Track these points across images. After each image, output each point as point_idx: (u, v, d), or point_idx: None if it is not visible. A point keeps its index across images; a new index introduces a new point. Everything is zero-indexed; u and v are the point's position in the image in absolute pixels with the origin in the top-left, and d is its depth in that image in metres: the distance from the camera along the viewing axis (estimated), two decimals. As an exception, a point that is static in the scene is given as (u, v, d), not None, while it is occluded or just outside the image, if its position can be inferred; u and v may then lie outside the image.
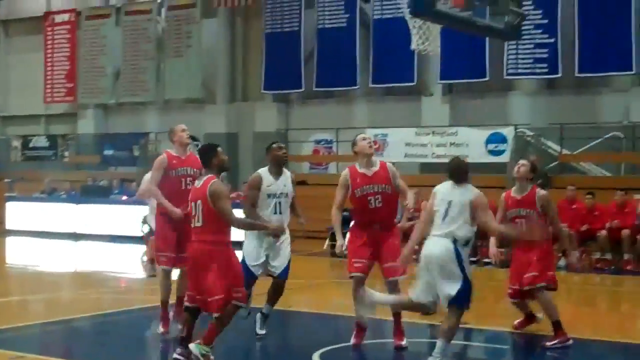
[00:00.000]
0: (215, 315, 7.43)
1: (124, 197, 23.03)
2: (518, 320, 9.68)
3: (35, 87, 28.47)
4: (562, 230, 9.10)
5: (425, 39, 12.73)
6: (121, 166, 26.48)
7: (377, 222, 8.61)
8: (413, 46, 13.01)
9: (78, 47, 27.91)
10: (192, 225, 7.59)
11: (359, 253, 8.58)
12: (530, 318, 9.56)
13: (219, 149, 7.80)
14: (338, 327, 10.27)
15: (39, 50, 28.59)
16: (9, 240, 22.43)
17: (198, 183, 7.65)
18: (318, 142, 23.97)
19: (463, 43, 19.57)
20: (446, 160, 17.53)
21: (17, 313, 11.64)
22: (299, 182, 24.03)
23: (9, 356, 8.64)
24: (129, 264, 18.05)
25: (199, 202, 7.47)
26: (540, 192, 9.14)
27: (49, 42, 28.59)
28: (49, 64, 28.55)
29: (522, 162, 9.37)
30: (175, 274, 9.52)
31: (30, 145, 28.34)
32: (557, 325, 8.94)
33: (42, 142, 28.32)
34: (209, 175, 7.57)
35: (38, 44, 28.67)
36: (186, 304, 7.74)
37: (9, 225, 23.48)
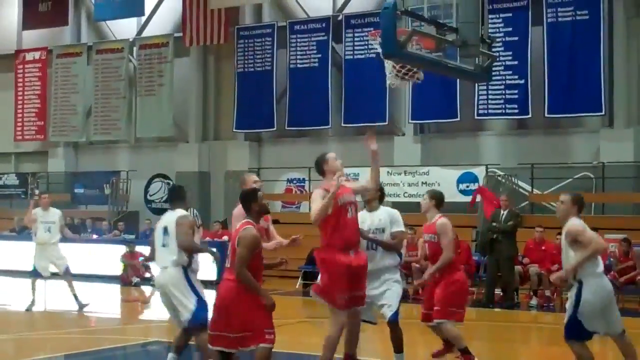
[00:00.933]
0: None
1: (95, 236, 22.91)
2: (437, 349, 9.71)
3: (6, 125, 28.32)
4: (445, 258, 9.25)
5: (407, 70, 12.81)
6: (92, 204, 26.35)
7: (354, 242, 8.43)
8: (389, 82, 13.09)
9: (49, 85, 27.85)
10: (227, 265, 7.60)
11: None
12: (448, 345, 9.62)
13: (260, 193, 7.76)
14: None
15: (10, 88, 28.48)
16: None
17: (236, 226, 7.66)
18: (290, 180, 23.99)
19: (434, 84, 19.78)
20: (418, 200, 17.75)
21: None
22: (273, 221, 24.00)
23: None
24: (100, 303, 17.88)
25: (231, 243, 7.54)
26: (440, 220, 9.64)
27: (20, 79, 28.49)
28: (20, 102, 28.44)
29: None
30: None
31: (0, 183, 28.14)
32: (465, 352, 9.12)
33: (12, 180, 28.12)
34: (247, 220, 7.55)
35: (9, 81, 28.55)
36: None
37: (-23, 263, 23.19)
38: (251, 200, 7.64)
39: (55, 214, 15.30)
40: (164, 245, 8.74)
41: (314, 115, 22.96)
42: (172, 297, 8.62)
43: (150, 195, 25.67)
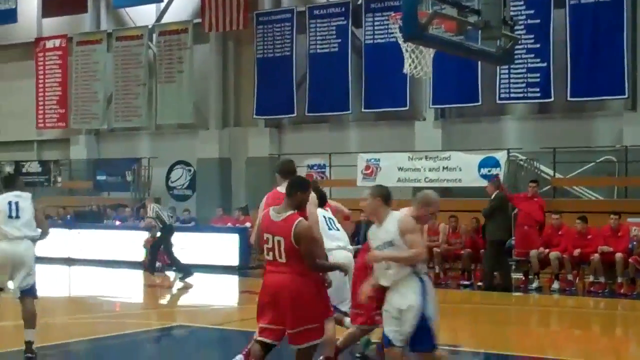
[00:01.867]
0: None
1: (118, 222, 23.04)
2: None
3: (28, 113, 28.43)
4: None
5: (418, 62, 12.84)
6: (114, 191, 26.46)
7: None
8: (405, 70, 13.11)
9: (70, 73, 27.92)
10: (271, 259, 7.23)
11: None
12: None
13: (309, 189, 7.48)
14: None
15: (31, 76, 28.59)
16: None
17: (277, 216, 7.23)
18: (311, 167, 23.96)
19: (455, 68, 19.71)
20: (439, 185, 17.75)
21: (12, 338, 11.56)
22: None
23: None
24: (123, 288, 18.00)
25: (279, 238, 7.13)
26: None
27: (41, 68, 28.60)
28: (41, 90, 28.54)
29: None
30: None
31: (24, 170, 28.29)
32: None
33: (35, 167, 28.27)
34: (293, 212, 7.20)
35: (30, 70, 28.67)
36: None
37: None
38: (302, 190, 7.35)
39: None
40: (17, 217, 9.57)
41: (334, 100, 22.92)
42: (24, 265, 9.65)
43: (172, 182, 25.74)
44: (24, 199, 9.74)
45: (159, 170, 25.85)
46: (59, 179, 27.92)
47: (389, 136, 22.67)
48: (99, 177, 26.58)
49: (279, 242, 7.09)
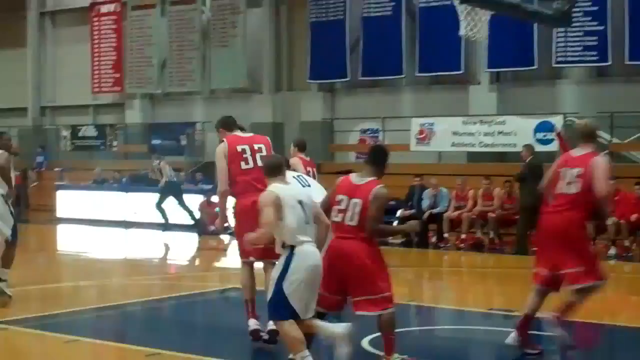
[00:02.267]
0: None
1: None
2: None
3: (83, 78, 28.74)
4: None
5: (474, 25, 12.66)
6: (168, 155, 26.66)
7: None
8: (461, 33, 12.95)
9: (124, 38, 28.12)
10: (340, 221, 7.19)
11: None
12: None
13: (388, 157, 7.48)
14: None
15: (86, 41, 28.85)
16: (60, 228, 22.77)
17: (358, 180, 7.26)
18: (364, 131, 23.92)
19: (511, 31, 19.43)
20: (494, 149, 17.61)
21: (70, 298, 11.80)
22: (345, 172, 24.04)
23: (63, 340, 8.78)
24: (178, 250, 18.23)
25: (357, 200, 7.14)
26: None
27: (96, 32, 28.81)
28: (96, 55, 28.78)
29: None
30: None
31: (80, 134, 28.66)
32: None
33: (91, 131, 28.61)
34: (375, 179, 7.24)
35: (85, 34, 28.93)
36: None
37: (60, 213, 23.85)
38: (383, 159, 7.41)
39: None
40: None
41: (387, 64, 22.75)
42: None
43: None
44: None
45: (212, 135, 25.94)
46: (115, 143, 28.24)
47: (443, 100, 22.49)
48: (153, 141, 26.83)
49: (355, 204, 7.10)
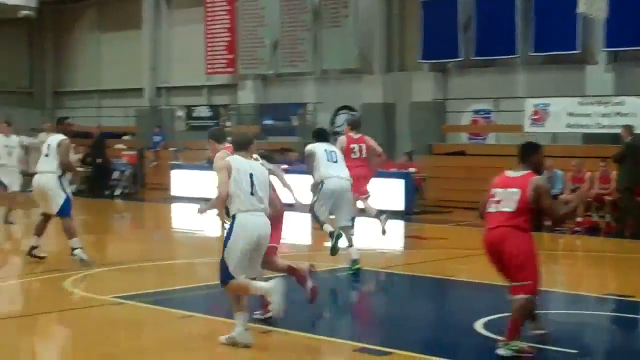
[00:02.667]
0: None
1: (284, 166, 23.40)
2: None
3: (197, 59, 29.17)
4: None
5: (593, 2, 12.33)
6: (280, 136, 26.90)
7: None
8: (580, 10, 12.62)
9: (237, 19, 28.39)
10: (494, 211, 7.53)
11: None
12: None
13: (541, 150, 7.85)
14: (498, 297, 10.13)
15: (200, 22, 29.26)
16: (174, 207, 23.25)
17: (513, 174, 7.59)
18: (477, 112, 23.62)
19: (631, 8, 18.84)
20: (611, 131, 17.16)
21: (184, 275, 12.05)
22: (457, 153, 23.88)
23: (178, 315, 8.97)
24: (290, 231, 18.27)
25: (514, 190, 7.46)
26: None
27: (209, 13, 29.16)
28: (210, 36, 29.17)
29: None
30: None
31: (194, 115, 29.16)
32: None
33: (205, 112, 29.06)
34: (530, 172, 7.54)
35: (199, 16, 29.33)
36: None
37: (174, 191, 24.35)
38: (534, 153, 7.73)
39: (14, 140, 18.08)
40: (46, 155, 12.30)
41: (500, 44, 22.31)
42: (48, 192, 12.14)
43: (337, 127, 25.92)
44: (53, 139, 12.50)
45: (323, 115, 26.09)
46: (228, 123, 28.62)
47: (557, 80, 21.96)
48: (265, 122, 27.09)
49: (512, 193, 7.41)
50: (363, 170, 12.60)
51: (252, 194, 7.73)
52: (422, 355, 7.45)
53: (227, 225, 7.84)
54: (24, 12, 29.73)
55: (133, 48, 31.52)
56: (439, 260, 13.61)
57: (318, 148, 11.90)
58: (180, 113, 29.56)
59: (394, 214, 19.58)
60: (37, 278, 11.56)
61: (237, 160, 7.87)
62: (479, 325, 8.21)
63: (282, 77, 28.03)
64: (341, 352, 7.70)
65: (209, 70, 29.30)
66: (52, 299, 10.14)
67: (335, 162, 11.80)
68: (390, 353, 7.48)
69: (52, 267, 12.02)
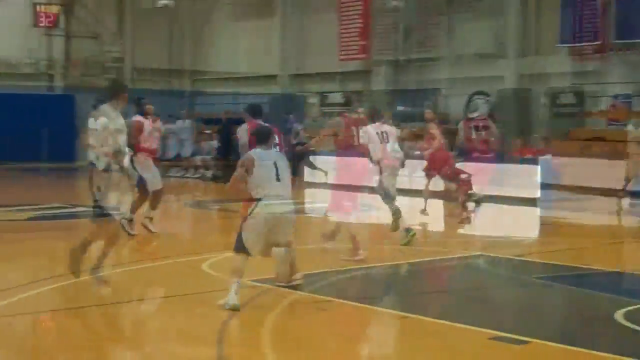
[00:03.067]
0: None
1: (417, 153, 23.29)
2: None
3: (330, 45, 29.30)
4: None
5: None
6: (412, 122, 26.77)
7: None
8: None
9: (370, 4, 28.37)
10: None
11: None
12: None
13: None
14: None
15: (333, 8, 29.37)
16: (308, 192, 23.42)
17: None
18: (616, 97, 23.01)
19: None
20: None
21: (318, 260, 12.14)
22: (596, 138, 23.17)
23: (313, 299, 9.07)
24: (420, 217, 18.21)
25: None
26: None
27: (343, 0, 29.26)
28: (344, 22, 29.26)
29: None
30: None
31: (327, 101, 29.35)
32: None
33: (338, 98, 29.18)
34: None
35: (332, 2, 29.43)
36: None
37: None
38: None
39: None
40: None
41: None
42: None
43: (471, 112, 25.62)
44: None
45: (456, 100, 25.83)
46: (360, 110, 28.61)
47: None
48: (398, 108, 27.03)
49: None
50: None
51: (278, 180, 8.60)
52: (560, 345, 7.30)
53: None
54: (163, 2, 30.62)
55: (267, 36, 31.97)
56: (576, 249, 13.33)
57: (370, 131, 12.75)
58: (314, 100, 29.79)
59: (528, 202, 19.29)
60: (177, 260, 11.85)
61: (258, 154, 8.68)
62: (619, 316, 8.00)
63: (415, 62, 27.88)
64: (476, 340, 7.66)
65: (342, 57, 29.40)
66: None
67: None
68: (527, 342, 7.37)
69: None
